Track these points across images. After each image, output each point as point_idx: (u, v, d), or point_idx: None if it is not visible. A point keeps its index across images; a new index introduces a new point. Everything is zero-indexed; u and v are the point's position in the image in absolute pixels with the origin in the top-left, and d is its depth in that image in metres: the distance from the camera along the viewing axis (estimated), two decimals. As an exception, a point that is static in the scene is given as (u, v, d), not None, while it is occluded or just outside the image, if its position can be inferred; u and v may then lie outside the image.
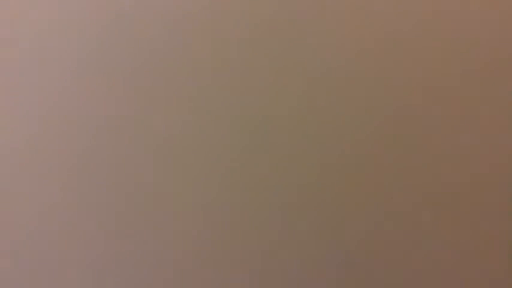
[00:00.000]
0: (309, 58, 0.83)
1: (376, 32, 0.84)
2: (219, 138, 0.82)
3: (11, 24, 0.80)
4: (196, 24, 0.82)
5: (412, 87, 0.85)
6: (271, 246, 0.83)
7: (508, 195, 0.85)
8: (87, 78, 0.81)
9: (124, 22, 0.82)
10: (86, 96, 0.81)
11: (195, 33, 0.82)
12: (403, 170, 0.84)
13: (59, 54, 0.81)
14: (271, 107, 0.83)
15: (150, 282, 0.82)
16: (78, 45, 0.81)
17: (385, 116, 0.84)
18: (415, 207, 0.84)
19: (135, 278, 0.82)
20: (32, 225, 0.81)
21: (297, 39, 0.83)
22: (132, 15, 0.82)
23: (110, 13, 0.82)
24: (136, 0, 0.82)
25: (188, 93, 0.82)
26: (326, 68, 0.84)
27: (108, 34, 0.81)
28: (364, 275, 0.84)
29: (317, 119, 0.83)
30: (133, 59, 0.82)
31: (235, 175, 0.83)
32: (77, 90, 0.81)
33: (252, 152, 0.83)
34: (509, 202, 0.85)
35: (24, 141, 0.80)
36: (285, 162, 0.83)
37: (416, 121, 0.84)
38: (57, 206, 0.81)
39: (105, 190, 0.81)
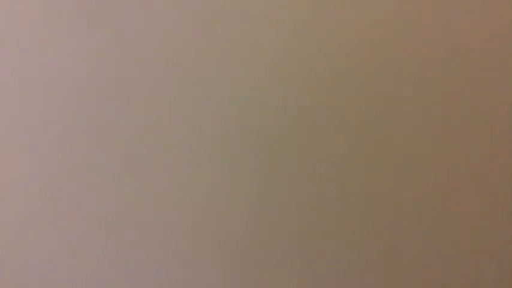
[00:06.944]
0: (304, 58, 0.83)
1: (375, 31, 0.84)
2: (217, 138, 0.83)
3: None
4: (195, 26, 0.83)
5: (411, 85, 0.85)
6: (270, 246, 0.83)
7: (508, 194, 0.85)
8: (82, 77, 0.81)
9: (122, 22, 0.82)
10: (81, 94, 0.81)
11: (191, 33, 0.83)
12: (403, 171, 0.84)
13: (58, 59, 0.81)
14: (270, 107, 0.83)
15: (146, 282, 0.82)
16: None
17: (382, 116, 0.84)
18: (416, 208, 0.84)
19: (131, 278, 0.82)
20: (30, 224, 0.81)
21: (289, 39, 0.83)
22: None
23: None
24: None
25: (185, 93, 0.82)
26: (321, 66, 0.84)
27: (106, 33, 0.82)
28: (364, 275, 0.84)
29: (313, 117, 0.83)
30: (132, 57, 0.82)
31: (233, 174, 0.83)
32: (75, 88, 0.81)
33: (250, 152, 0.83)
34: (509, 201, 0.85)
35: (22, 140, 0.80)
36: (281, 162, 0.83)
37: (416, 121, 0.84)
38: (55, 205, 0.81)
39: (102, 189, 0.81)
